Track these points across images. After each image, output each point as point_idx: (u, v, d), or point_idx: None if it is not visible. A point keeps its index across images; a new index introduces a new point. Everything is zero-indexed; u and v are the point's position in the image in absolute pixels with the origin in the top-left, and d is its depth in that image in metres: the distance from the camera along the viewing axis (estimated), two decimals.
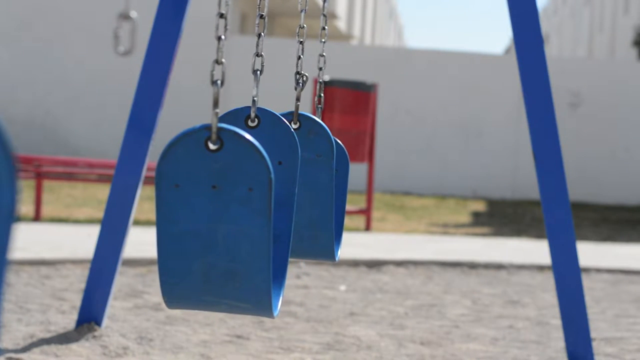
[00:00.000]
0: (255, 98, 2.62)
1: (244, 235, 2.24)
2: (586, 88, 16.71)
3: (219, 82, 2.20)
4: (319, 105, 3.14)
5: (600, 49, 34.89)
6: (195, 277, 2.28)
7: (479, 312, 5.98)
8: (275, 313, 2.36)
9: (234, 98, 15.62)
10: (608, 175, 16.77)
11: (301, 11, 2.94)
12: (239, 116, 2.69)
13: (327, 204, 2.92)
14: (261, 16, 2.67)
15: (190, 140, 2.22)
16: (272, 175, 2.21)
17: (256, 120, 2.68)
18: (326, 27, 3.19)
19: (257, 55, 2.69)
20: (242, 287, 2.28)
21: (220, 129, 2.20)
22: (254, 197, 2.22)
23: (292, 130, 2.70)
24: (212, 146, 2.21)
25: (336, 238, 3.05)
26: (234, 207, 2.23)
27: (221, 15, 2.27)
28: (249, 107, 2.68)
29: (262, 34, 2.68)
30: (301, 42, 2.95)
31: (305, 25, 2.96)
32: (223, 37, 2.26)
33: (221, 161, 2.22)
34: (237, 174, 2.22)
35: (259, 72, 2.62)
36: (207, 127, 2.21)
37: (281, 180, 2.62)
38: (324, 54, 3.18)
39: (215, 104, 2.18)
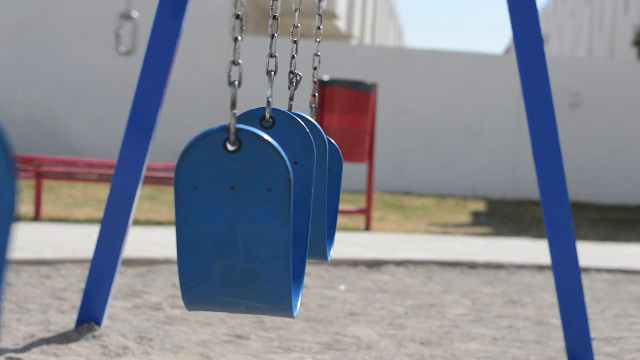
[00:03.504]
0: (270, 99, 2.61)
1: (264, 236, 2.23)
2: (586, 88, 16.70)
3: (236, 83, 2.21)
4: (314, 105, 3.14)
5: (600, 49, 34.88)
6: (215, 278, 2.27)
7: (479, 312, 5.98)
8: (295, 313, 2.36)
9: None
10: (608, 175, 16.77)
11: (296, 11, 2.95)
12: (254, 117, 2.69)
13: (320, 204, 2.92)
14: (274, 17, 2.68)
15: (209, 142, 2.21)
16: (292, 176, 2.21)
17: (271, 121, 2.68)
18: (321, 27, 3.19)
19: (271, 56, 2.69)
20: (262, 288, 2.27)
21: (238, 130, 2.20)
22: (273, 198, 2.21)
23: (308, 130, 2.69)
24: (230, 147, 2.21)
25: (329, 238, 3.04)
26: (253, 208, 2.23)
27: (237, 17, 2.26)
28: (264, 108, 2.67)
29: (276, 35, 2.68)
30: (295, 42, 2.95)
31: (299, 25, 2.96)
32: (240, 38, 2.26)
33: (240, 162, 2.21)
34: (255, 174, 2.21)
35: (273, 73, 2.62)
36: (225, 129, 2.21)
37: (298, 181, 2.61)
38: (319, 53, 3.19)
39: (233, 105, 2.19)
